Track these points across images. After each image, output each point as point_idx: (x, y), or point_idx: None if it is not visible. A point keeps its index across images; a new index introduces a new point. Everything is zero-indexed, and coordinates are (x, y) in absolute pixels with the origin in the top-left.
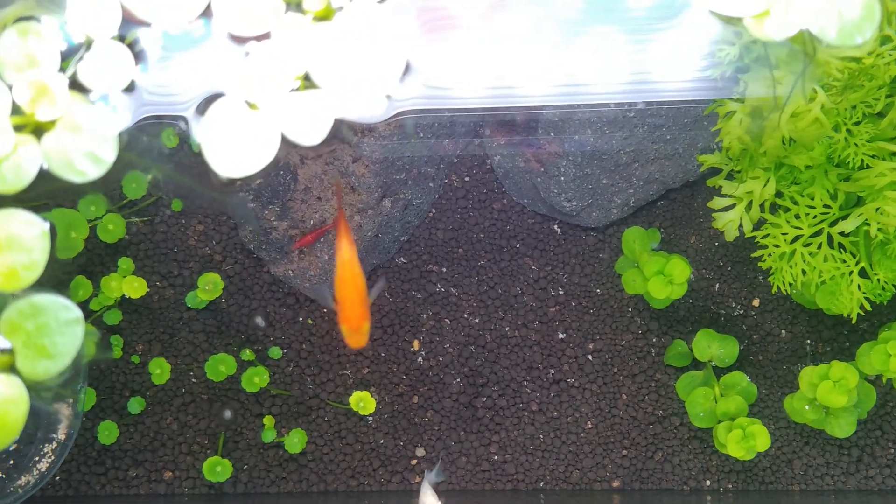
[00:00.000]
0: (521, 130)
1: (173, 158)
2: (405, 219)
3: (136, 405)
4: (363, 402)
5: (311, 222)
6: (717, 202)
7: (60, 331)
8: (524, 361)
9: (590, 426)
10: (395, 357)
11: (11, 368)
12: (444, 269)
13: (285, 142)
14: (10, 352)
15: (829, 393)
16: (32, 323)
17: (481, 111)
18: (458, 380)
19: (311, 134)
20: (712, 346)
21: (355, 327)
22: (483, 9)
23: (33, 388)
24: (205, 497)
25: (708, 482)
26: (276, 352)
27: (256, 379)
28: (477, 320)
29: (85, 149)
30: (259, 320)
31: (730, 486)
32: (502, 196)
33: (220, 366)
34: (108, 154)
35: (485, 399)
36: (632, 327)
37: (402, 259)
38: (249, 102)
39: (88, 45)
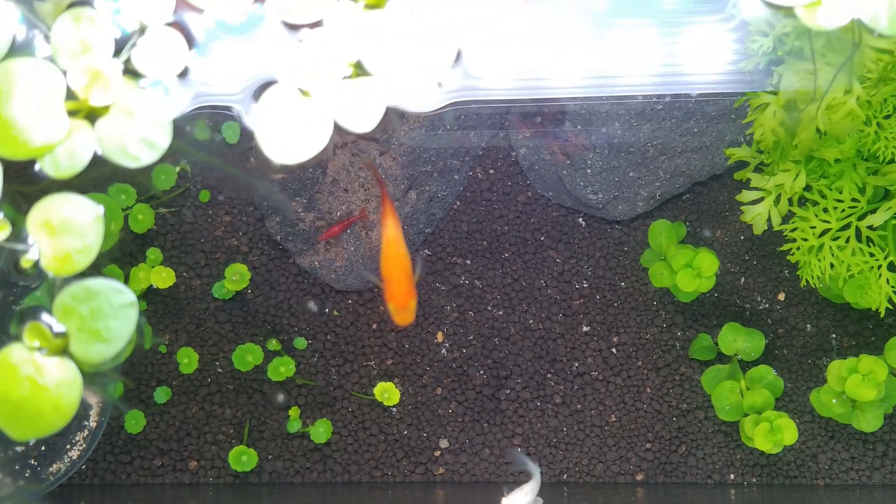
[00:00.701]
0: (548, 123)
1: (204, 148)
2: (430, 211)
3: (162, 395)
4: (387, 392)
5: (338, 214)
6: (746, 195)
7: (114, 315)
8: (548, 354)
9: (613, 419)
10: (418, 349)
11: (65, 352)
12: (469, 262)
13: (337, 129)
14: (65, 335)
15: (858, 386)
16: (87, 307)
17: (527, 102)
18: (482, 372)
19: (363, 121)
20: (738, 340)
21: (402, 304)
22: (514, 1)
23: None
24: (230, 487)
25: (732, 476)
26: (301, 342)
27: (283, 369)
28: (501, 313)
29: (139, 134)
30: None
31: (754, 480)
32: (527, 189)
33: (247, 355)
34: (163, 139)
35: (508, 391)
36: (656, 321)
37: (426, 251)
38: (302, 90)
39: (142, 31)
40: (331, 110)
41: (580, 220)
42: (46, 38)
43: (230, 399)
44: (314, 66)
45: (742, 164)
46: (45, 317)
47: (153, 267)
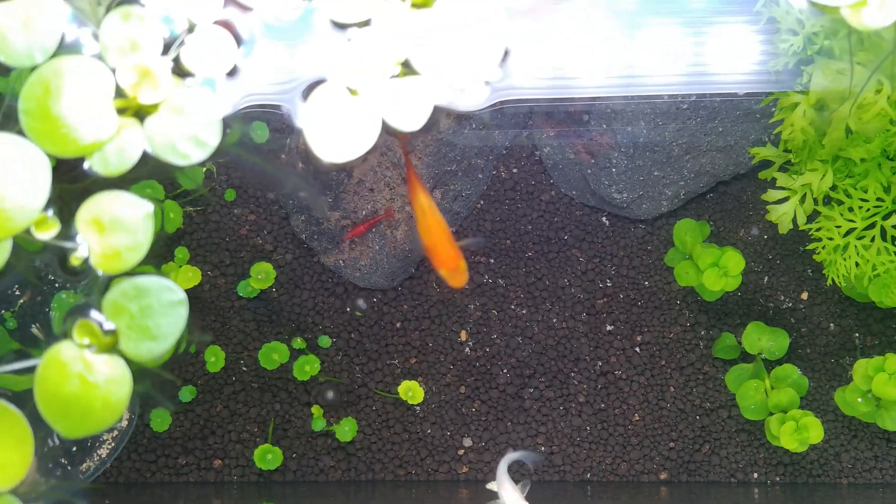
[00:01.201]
0: (573, 122)
1: (235, 148)
2: (454, 210)
3: (187, 393)
4: (412, 391)
5: (363, 213)
6: (772, 194)
7: (164, 312)
8: (571, 353)
9: (637, 418)
10: (442, 347)
11: (114, 349)
12: (492, 261)
13: (385, 127)
14: (114, 333)
15: (885, 385)
16: (136, 304)
17: (555, 101)
18: (506, 371)
19: (411, 120)
20: (762, 339)
21: (453, 267)
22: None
23: None
24: (254, 485)
25: (755, 475)
26: (325, 340)
27: (308, 367)
28: (524, 311)
29: (188, 132)
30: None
31: (777, 479)
32: (550, 188)
33: (273, 354)
34: (212, 138)
35: (532, 390)
36: (680, 320)
37: None
38: (350, 88)
39: (191, 29)
40: (379, 109)
41: (604, 219)
42: (95, 35)
43: (255, 397)
44: (362, 64)
45: (766, 164)
46: (94, 314)
47: (181, 266)
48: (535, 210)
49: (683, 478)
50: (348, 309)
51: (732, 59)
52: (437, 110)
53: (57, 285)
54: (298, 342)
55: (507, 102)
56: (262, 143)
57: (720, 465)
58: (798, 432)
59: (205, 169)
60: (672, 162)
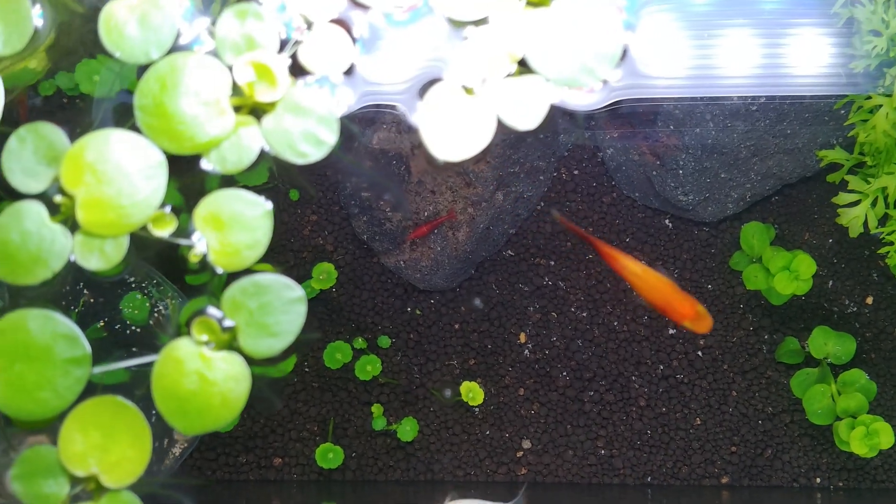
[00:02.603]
0: (639, 123)
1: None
2: (515, 211)
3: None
4: (472, 392)
5: (426, 214)
6: (844, 198)
7: (284, 309)
8: (632, 356)
9: (698, 422)
10: (501, 349)
11: (232, 347)
12: (552, 263)
13: (500, 126)
14: (232, 330)
15: None
16: (255, 302)
17: (629, 102)
18: (565, 373)
19: (527, 119)
20: (829, 344)
21: (693, 315)
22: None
23: None
24: (314, 483)
25: (818, 479)
26: (384, 341)
27: (369, 367)
28: (585, 314)
29: (306, 131)
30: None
31: (840, 484)
32: (612, 189)
33: (336, 353)
34: (330, 136)
35: (592, 393)
36: (743, 324)
37: (509, 252)
38: (466, 87)
39: (308, 26)
40: (495, 108)
41: (667, 221)
42: (210, 32)
43: (315, 397)
44: (479, 63)
45: (834, 167)
46: (211, 311)
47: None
48: (597, 212)
49: (745, 482)
50: (408, 309)
51: (804, 61)
52: (555, 109)
53: (124, 287)
54: (360, 342)
55: (624, 102)
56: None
57: (783, 469)
58: (868, 437)
59: (270, 165)
60: (739, 164)
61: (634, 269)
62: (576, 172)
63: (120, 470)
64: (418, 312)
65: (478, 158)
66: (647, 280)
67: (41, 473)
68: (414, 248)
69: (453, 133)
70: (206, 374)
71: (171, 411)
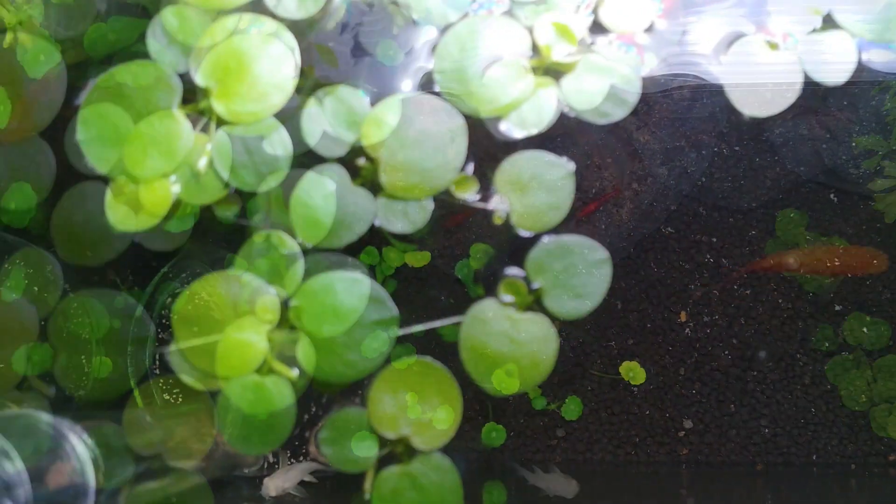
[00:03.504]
0: (809, 97)
1: None
2: (678, 187)
3: None
4: (633, 371)
5: (593, 191)
6: (878, 184)
7: (588, 272)
8: (797, 334)
9: (864, 399)
10: (660, 328)
11: (535, 307)
12: (714, 239)
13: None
14: (536, 291)
15: None
16: (560, 263)
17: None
18: (727, 352)
19: (832, 74)
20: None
21: (868, 264)
22: None
23: None
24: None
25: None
26: None
27: None
28: (748, 292)
29: (607, 90)
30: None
31: None
32: (776, 164)
33: None
34: (632, 96)
35: (755, 372)
36: None
37: (669, 228)
38: (770, 42)
39: None
40: (799, 63)
41: (831, 195)
42: None
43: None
44: (782, 18)
45: None
46: (512, 270)
47: (405, 251)
48: (760, 187)
49: None
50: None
51: None
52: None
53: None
54: None
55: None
56: None
57: None
58: None
59: None
60: None
61: (801, 257)
62: (736, 148)
63: (431, 431)
64: None
65: (639, 127)
66: (816, 256)
67: (349, 436)
68: (579, 226)
69: (758, 88)
70: (514, 336)
71: (480, 373)
